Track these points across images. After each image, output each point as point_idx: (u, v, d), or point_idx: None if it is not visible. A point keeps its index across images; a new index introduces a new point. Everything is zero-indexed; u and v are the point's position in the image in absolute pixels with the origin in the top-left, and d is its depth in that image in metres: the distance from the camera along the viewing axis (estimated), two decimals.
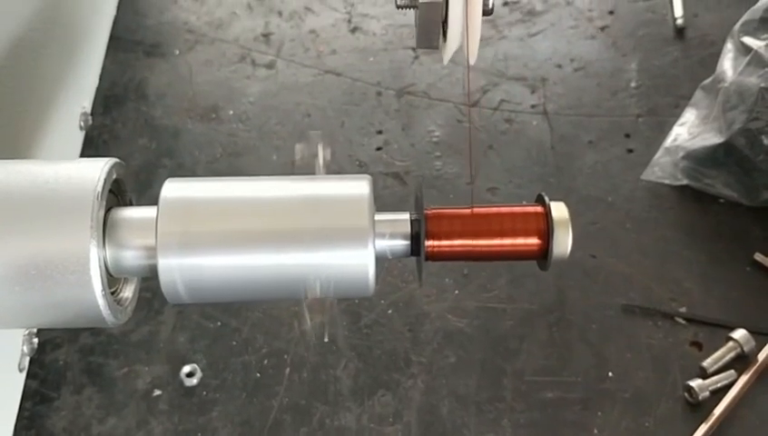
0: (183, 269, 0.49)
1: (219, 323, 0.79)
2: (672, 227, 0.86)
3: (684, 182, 0.87)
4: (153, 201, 0.50)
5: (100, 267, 0.48)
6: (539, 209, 0.52)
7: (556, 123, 0.96)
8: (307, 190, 0.51)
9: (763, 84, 0.80)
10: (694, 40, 1.03)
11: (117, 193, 0.53)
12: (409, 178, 0.91)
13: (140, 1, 1.11)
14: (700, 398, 0.72)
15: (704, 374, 0.74)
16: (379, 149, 0.94)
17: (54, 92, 0.83)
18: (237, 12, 1.11)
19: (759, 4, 0.87)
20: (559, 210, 0.52)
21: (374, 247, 0.49)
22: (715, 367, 0.74)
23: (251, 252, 0.49)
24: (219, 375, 0.76)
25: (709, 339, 0.77)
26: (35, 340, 0.75)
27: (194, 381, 0.75)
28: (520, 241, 0.52)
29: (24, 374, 0.74)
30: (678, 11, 1.05)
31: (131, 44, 1.06)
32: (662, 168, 0.89)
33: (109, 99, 0.99)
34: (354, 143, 0.94)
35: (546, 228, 0.51)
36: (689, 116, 0.91)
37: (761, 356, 0.75)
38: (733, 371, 0.74)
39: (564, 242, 0.51)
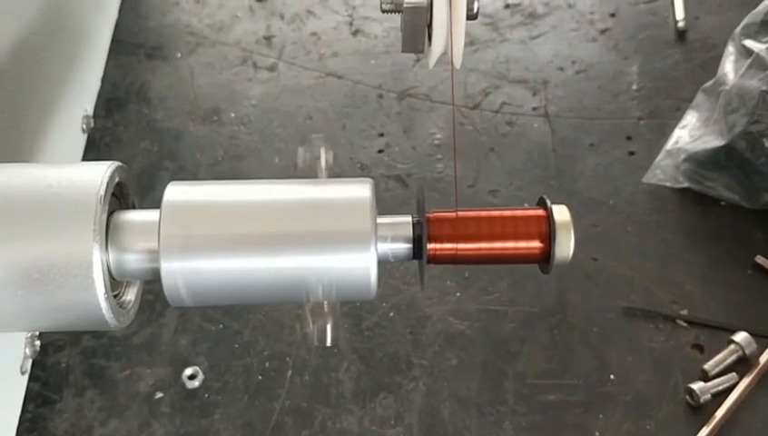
0: (186, 272, 0.49)
1: (221, 326, 0.79)
2: (673, 230, 0.86)
3: (686, 184, 0.87)
4: (156, 204, 0.50)
5: (102, 270, 0.48)
6: (541, 212, 0.52)
7: (557, 125, 0.96)
8: (309, 193, 0.51)
9: (764, 87, 0.80)
10: (695, 43, 1.03)
11: (120, 197, 0.53)
12: (411, 181, 0.91)
13: (142, 4, 1.11)
14: (701, 401, 0.72)
15: (706, 377, 0.74)
16: (380, 151, 0.94)
17: (57, 95, 0.83)
18: (239, 15, 1.11)
19: (760, 7, 0.87)
20: (561, 213, 0.52)
21: (376, 250, 0.49)
22: (717, 370, 0.74)
23: (254, 255, 0.49)
24: (221, 378, 0.76)
25: (710, 341, 0.77)
26: (38, 342, 0.75)
27: (196, 383, 0.75)
28: (522, 244, 0.52)
29: (26, 377, 0.74)
30: (679, 14, 1.05)
31: (132, 46, 1.06)
32: (663, 171, 0.89)
33: (111, 102, 0.99)
34: (356, 146, 0.95)
35: (547, 231, 0.51)
36: (690, 119, 0.92)
37: (762, 359, 0.75)
38: (734, 374, 0.74)
39: (566, 246, 0.51)
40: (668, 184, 0.88)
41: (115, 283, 0.52)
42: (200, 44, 1.07)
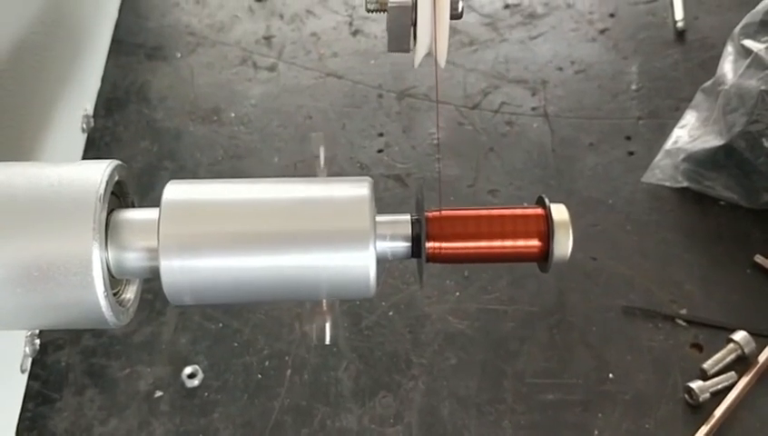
0: (185, 270, 0.49)
1: (220, 325, 0.79)
2: (672, 229, 0.86)
3: (685, 184, 0.87)
4: (156, 203, 0.50)
5: (102, 269, 0.48)
6: (540, 211, 0.52)
7: (556, 125, 0.96)
8: (308, 192, 0.51)
9: (763, 87, 0.80)
10: (694, 43, 1.03)
11: (119, 195, 0.54)
12: (410, 180, 0.91)
13: (141, 4, 1.12)
14: (700, 400, 0.72)
15: (705, 376, 0.74)
16: (380, 151, 0.94)
17: (57, 94, 0.84)
18: (238, 15, 1.11)
19: (759, 7, 0.87)
20: (560, 212, 0.52)
21: (375, 249, 0.50)
22: (716, 369, 0.74)
23: (253, 253, 0.49)
24: (220, 376, 0.76)
25: (709, 341, 0.77)
26: (37, 341, 0.75)
27: (196, 382, 0.76)
28: (521, 243, 0.52)
29: (26, 375, 0.75)
30: (679, 14, 1.05)
31: (132, 46, 1.06)
32: (662, 170, 0.89)
33: (111, 102, 1.00)
34: (355, 146, 0.95)
35: (546, 230, 0.51)
36: (689, 119, 0.92)
37: (761, 358, 0.75)
38: (733, 373, 0.74)
39: (564, 244, 0.51)
40: (667, 184, 0.88)
41: (115, 282, 0.52)
42: (200, 44, 1.07)
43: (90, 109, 0.96)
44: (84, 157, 0.93)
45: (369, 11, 0.54)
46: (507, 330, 0.79)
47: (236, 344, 0.78)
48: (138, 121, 0.98)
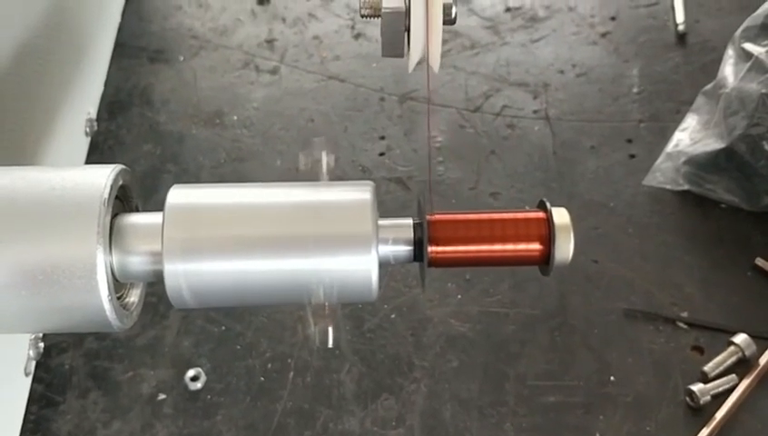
0: (189, 274, 0.50)
1: (223, 328, 0.80)
2: (673, 232, 0.86)
3: (686, 187, 0.88)
4: (159, 206, 0.51)
5: (106, 272, 0.48)
6: (541, 214, 0.52)
7: (557, 128, 0.96)
8: (310, 196, 0.52)
9: (763, 90, 0.80)
10: (695, 46, 1.04)
11: (123, 199, 0.54)
12: (412, 183, 0.91)
13: (144, 7, 1.12)
14: (701, 402, 0.73)
15: (706, 379, 0.74)
16: (381, 154, 0.94)
17: (60, 98, 0.84)
18: (241, 18, 1.11)
19: (760, 10, 0.87)
20: (561, 215, 0.52)
21: (377, 252, 0.50)
22: (717, 371, 0.75)
23: (256, 257, 0.50)
24: (223, 379, 0.76)
25: (710, 343, 0.77)
26: (41, 344, 0.75)
27: (199, 385, 0.76)
28: (522, 246, 0.52)
29: (30, 378, 0.75)
30: (680, 17, 1.06)
31: (135, 50, 1.07)
32: (663, 173, 0.89)
33: (114, 105, 1.00)
34: (357, 149, 0.95)
35: (547, 233, 0.52)
36: (690, 122, 0.92)
37: (762, 360, 0.75)
38: (734, 376, 0.74)
39: (565, 248, 0.52)
40: (668, 187, 0.89)
41: (119, 285, 0.52)
42: (202, 48, 1.07)
43: (93, 113, 0.96)
44: (88, 161, 0.93)
45: (362, 16, 0.54)
46: (508, 332, 0.79)
47: (239, 347, 0.78)
48: (141, 124, 0.98)
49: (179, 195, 0.51)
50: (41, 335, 0.75)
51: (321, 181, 0.53)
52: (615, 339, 0.78)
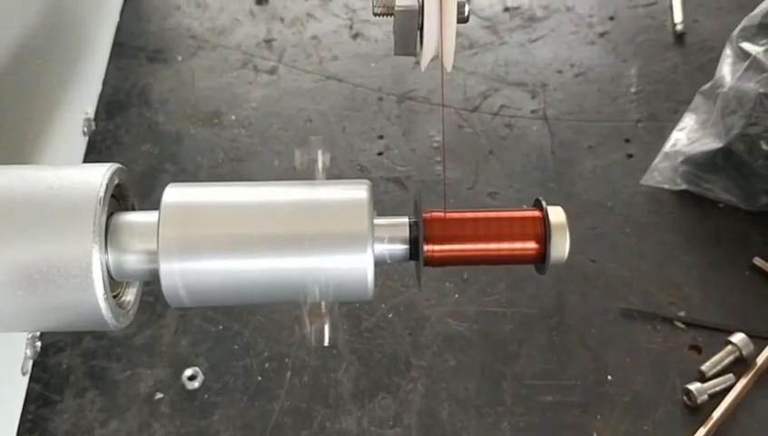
0: (184, 273, 0.50)
1: (220, 327, 0.80)
2: (671, 232, 0.86)
3: (684, 186, 0.88)
4: (157, 205, 0.51)
5: (102, 271, 0.49)
6: (537, 213, 0.53)
7: (556, 128, 0.96)
8: (307, 195, 0.52)
9: (761, 90, 0.80)
10: (693, 46, 1.04)
11: (119, 198, 0.54)
12: (410, 183, 0.91)
13: (143, 7, 1.12)
14: (698, 401, 0.73)
15: (703, 378, 0.74)
16: (380, 154, 0.94)
17: (58, 97, 0.84)
18: (239, 18, 1.11)
19: (757, 10, 0.87)
20: (556, 214, 0.52)
21: (373, 251, 0.50)
22: (714, 371, 0.75)
23: (252, 256, 0.50)
24: (220, 378, 0.76)
25: (708, 343, 0.77)
26: (38, 343, 0.75)
27: (196, 384, 0.76)
28: (518, 245, 0.52)
29: (27, 378, 0.75)
30: (678, 17, 1.06)
31: (134, 50, 1.07)
32: (661, 173, 0.89)
33: (112, 105, 1.00)
34: (355, 149, 0.95)
35: (543, 232, 0.52)
36: (688, 121, 0.92)
37: (759, 360, 0.75)
38: (731, 375, 0.74)
39: (561, 247, 0.52)
40: (666, 187, 0.89)
41: (115, 284, 0.53)
42: (201, 48, 1.07)
43: (91, 112, 0.96)
44: (86, 160, 0.93)
45: (375, 15, 0.54)
46: (506, 332, 0.79)
47: (236, 346, 0.78)
48: (139, 124, 0.98)
49: (174, 194, 0.51)
50: (38, 334, 0.75)
51: (318, 179, 0.54)
52: (612, 338, 0.78)
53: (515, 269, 0.82)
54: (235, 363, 0.77)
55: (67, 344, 0.78)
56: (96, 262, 0.48)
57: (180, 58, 1.06)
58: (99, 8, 1.02)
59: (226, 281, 0.50)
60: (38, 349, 0.75)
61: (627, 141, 0.94)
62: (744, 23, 0.88)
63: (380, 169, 0.93)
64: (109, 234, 0.50)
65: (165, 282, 0.50)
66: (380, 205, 0.88)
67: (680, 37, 1.05)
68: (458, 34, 1.05)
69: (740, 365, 0.75)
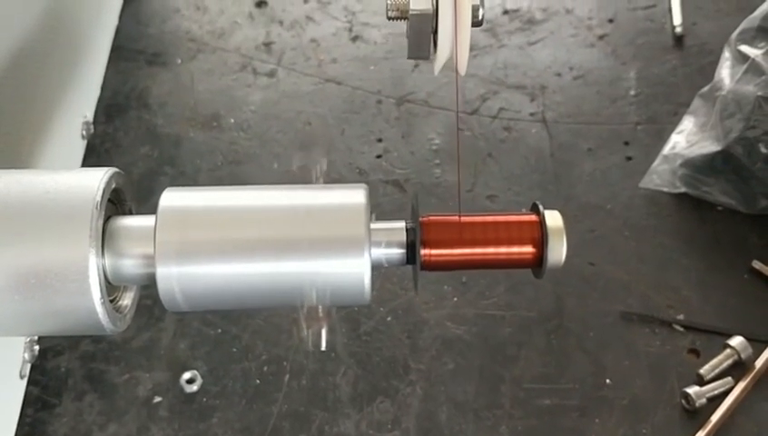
0: (181, 277, 0.50)
1: (219, 330, 0.80)
2: (670, 235, 0.86)
3: (683, 189, 0.88)
4: (156, 208, 0.51)
5: (99, 275, 0.49)
6: (533, 217, 0.53)
7: (555, 130, 0.96)
8: (304, 199, 0.52)
9: (759, 93, 0.80)
10: (692, 48, 1.04)
11: (116, 202, 0.54)
12: (409, 186, 0.91)
13: (142, 10, 1.12)
14: (697, 405, 0.73)
15: (702, 381, 0.74)
16: (378, 157, 0.94)
17: (56, 101, 0.84)
18: (239, 21, 1.11)
19: (756, 12, 0.87)
20: (554, 218, 0.52)
21: (370, 256, 0.50)
22: (713, 374, 0.75)
23: (249, 260, 0.50)
24: (219, 382, 0.76)
25: (706, 346, 0.77)
26: (36, 347, 0.75)
27: (194, 387, 0.76)
28: (515, 249, 0.52)
29: (24, 381, 0.75)
30: (677, 19, 1.06)
31: (133, 53, 1.07)
32: (660, 176, 0.89)
33: (111, 108, 1.00)
34: (354, 151, 0.95)
35: (540, 236, 0.52)
36: (687, 124, 0.92)
37: (758, 363, 0.75)
38: (730, 379, 0.74)
39: (558, 251, 0.52)
40: (665, 189, 0.89)
41: (112, 288, 0.53)
42: (200, 51, 1.07)
43: (90, 115, 0.96)
44: (85, 163, 0.93)
45: (389, 18, 0.54)
46: (504, 335, 0.79)
47: (235, 350, 0.78)
48: (138, 127, 0.98)
49: (172, 198, 0.51)
50: (36, 338, 0.75)
51: (315, 184, 0.54)
52: (611, 342, 0.78)
53: (513, 272, 0.82)
54: (234, 367, 0.77)
55: (66, 347, 0.78)
56: (93, 267, 0.48)
57: (179, 61, 1.06)
58: (98, 11, 1.02)
59: (223, 285, 0.50)
60: (36, 352, 0.75)
61: (626, 143, 0.94)
62: (743, 25, 0.88)
63: (379, 172, 0.93)
64: (106, 239, 0.50)
65: (162, 286, 0.50)
66: (379, 208, 0.88)
67: (679, 40, 1.05)
68: None
69: (738, 368, 0.75)
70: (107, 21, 1.07)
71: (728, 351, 0.75)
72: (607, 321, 0.79)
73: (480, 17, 0.52)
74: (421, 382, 0.76)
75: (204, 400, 0.75)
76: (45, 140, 0.80)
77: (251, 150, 0.96)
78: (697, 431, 0.72)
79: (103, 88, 1.02)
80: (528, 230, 0.52)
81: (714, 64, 0.91)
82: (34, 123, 0.78)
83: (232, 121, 0.99)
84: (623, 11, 1.10)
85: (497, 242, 0.52)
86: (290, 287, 0.50)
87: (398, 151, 0.95)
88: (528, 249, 0.52)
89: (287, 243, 0.50)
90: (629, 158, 0.93)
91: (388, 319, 0.80)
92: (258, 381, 0.76)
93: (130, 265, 0.51)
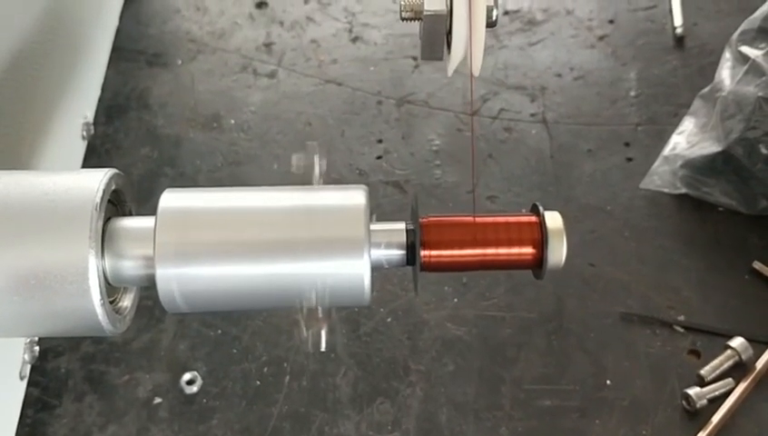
0: (181, 278, 0.49)
1: (219, 331, 0.80)
2: (670, 236, 0.86)
3: (683, 190, 0.87)
4: (156, 209, 0.51)
5: (98, 277, 0.48)
6: (533, 218, 0.52)
7: (555, 131, 0.96)
8: (303, 200, 0.51)
9: (760, 94, 0.80)
10: (693, 49, 1.04)
11: (116, 204, 0.54)
12: (409, 187, 0.91)
13: (142, 11, 1.12)
14: (698, 406, 0.72)
15: (702, 382, 0.74)
16: (379, 158, 0.94)
17: (56, 101, 0.84)
18: (239, 22, 1.11)
19: (757, 13, 0.87)
20: (554, 219, 0.52)
21: (369, 257, 0.50)
22: (713, 375, 0.75)
23: (248, 261, 0.50)
24: (219, 383, 0.76)
25: (707, 347, 0.77)
26: (36, 348, 0.75)
27: (194, 388, 0.76)
28: (515, 250, 0.52)
29: (24, 382, 0.75)
30: (678, 20, 1.05)
31: (133, 53, 1.07)
32: (660, 177, 0.89)
33: (111, 108, 1.00)
34: (354, 152, 0.95)
35: (540, 237, 0.52)
36: (688, 125, 0.92)
37: (758, 364, 0.75)
38: (730, 380, 0.74)
39: (558, 252, 0.52)
40: (666, 190, 0.88)
41: (112, 289, 0.52)
42: (200, 51, 1.07)
43: (90, 116, 0.96)
44: (85, 164, 0.93)
45: (403, 19, 0.54)
46: (504, 336, 0.79)
47: (235, 351, 0.78)
48: (138, 128, 0.98)
49: (171, 199, 0.51)
50: (36, 339, 0.75)
51: (315, 185, 0.53)
52: (611, 342, 0.78)
53: (514, 273, 0.82)
54: (234, 368, 0.77)
55: (66, 349, 0.78)
56: (93, 268, 0.48)
57: (179, 62, 1.06)
58: (98, 12, 1.02)
59: (223, 286, 0.50)
60: (36, 354, 0.75)
61: (627, 144, 0.94)
62: (744, 26, 0.88)
63: (379, 173, 0.93)
64: (106, 240, 0.50)
65: (162, 287, 0.50)
66: (379, 209, 0.88)
67: (680, 41, 1.05)
68: None
69: (739, 369, 0.75)
70: (107, 21, 1.07)
71: (729, 351, 0.75)
72: (608, 321, 0.79)
73: (494, 18, 0.52)
74: (421, 383, 0.76)
75: (204, 401, 0.75)
76: (46, 141, 0.80)
77: (252, 151, 0.96)
78: (698, 433, 0.72)
79: (103, 89, 1.02)
80: (528, 231, 0.52)
81: (715, 64, 0.91)
82: (34, 123, 0.78)
83: (233, 122, 0.99)
84: (623, 12, 1.10)
85: (497, 244, 0.52)
86: (290, 288, 0.50)
87: (399, 152, 0.95)
88: (528, 250, 0.52)
89: (287, 244, 0.50)
90: (629, 159, 0.93)
91: (389, 320, 0.80)
92: (258, 383, 0.76)
93: (129, 266, 0.51)
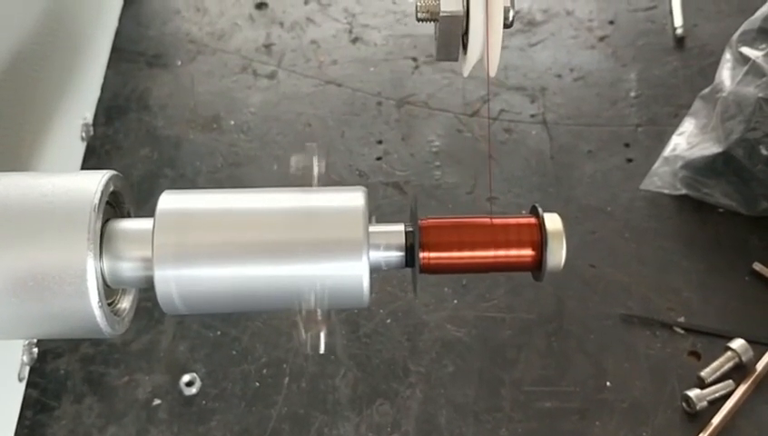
0: (179, 280, 0.49)
1: (218, 333, 0.80)
2: (671, 237, 0.86)
3: (683, 191, 0.87)
4: (155, 211, 0.51)
5: (97, 278, 0.48)
6: (533, 220, 0.52)
7: (555, 132, 0.96)
8: (302, 202, 0.51)
9: (760, 94, 0.80)
10: (693, 50, 1.03)
11: (115, 205, 0.54)
12: (409, 188, 0.91)
13: (142, 12, 1.12)
14: (698, 408, 0.72)
15: (702, 384, 0.74)
16: (378, 159, 0.94)
17: (56, 103, 0.84)
18: (239, 23, 1.11)
19: (757, 14, 0.87)
20: (553, 221, 0.52)
21: (368, 259, 0.50)
22: (713, 377, 0.74)
23: (247, 263, 0.49)
24: (218, 384, 0.76)
25: (707, 349, 0.77)
26: (35, 350, 0.75)
27: (194, 390, 0.76)
28: (514, 252, 0.52)
29: (23, 384, 0.75)
30: (678, 21, 1.05)
31: (133, 54, 1.07)
32: (661, 178, 0.89)
33: (111, 109, 1.00)
34: (354, 153, 0.95)
35: (539, 239, 0.52)
36: (688, 126, 0.92)
37: (759, 366, 0.75)
38: (731, 381, 0.74)
39: (558, 254, 0.51)
40: (666, 191, 0.88)
41: (110, 291, 0.52)
42: (200, 52, 1.07)
43: (89, 117, 0.96)
44: (85, 165, 0.93)
45: (419, 20, 0.54)
46: (504, 337, 0.79)
47: (234, 352, 0.78)
48: (138, 129, 0.98)
49: (170, 201, 0.51)
50: (35, 341, 0.75)
51: (314, 186, 0.53)
52: (611, 344, 0.78)
53: (514, 274, 0.82)
54: (233, 369, 0.77)
55: (65, 350, 0.78)
56: (91, 270, 0.48)
57: (179, 63, 1.06)
58: (98, 13, 1.02)
59: (221, 288, 0.50)
60: (35, 355, 0.75)
61: (627, 145, 0.94)
62: (744, 27, 0.88)
63: (379, 174, 0.93)
64: (104, 242, 0.50)
65: (160, 289, 0.50)
66: (379, 210, 0.88)
67: (680, 41, 1.05)
68: None
69: (739, 371, 0.75)
70: (107, 22, 1.06)
71: (729, 353, 0.75)
72: (608, 323, 0.79)
73: (511, 19, 0.51)
74: (421, 385, 0.76)
75: (203, 402, 0.75)
76: (45, 142, 0.79)
77: (251, 152, 0.96)
78: (698, 435, 0.71)
79: (102, 90, 1.01)
80: (528, 233, 0.52)
81: (715, 65, 0.91)
82: (33, 124, 0.78)
83: (232, 123, 0.99)
84: (623, 12, 1.09)
85: (496, 246, 0.52)
86: (289, 290, 0.50)
87: (398, 153, 0.95)
88: (528, 252, 0.52)
89: (286, 246, 0.50)
90: (630, 160, 0.93)
91: (388, 321, 0.80)
92: (257, 384, 0.76)
93: (128, 268, 0.51)
